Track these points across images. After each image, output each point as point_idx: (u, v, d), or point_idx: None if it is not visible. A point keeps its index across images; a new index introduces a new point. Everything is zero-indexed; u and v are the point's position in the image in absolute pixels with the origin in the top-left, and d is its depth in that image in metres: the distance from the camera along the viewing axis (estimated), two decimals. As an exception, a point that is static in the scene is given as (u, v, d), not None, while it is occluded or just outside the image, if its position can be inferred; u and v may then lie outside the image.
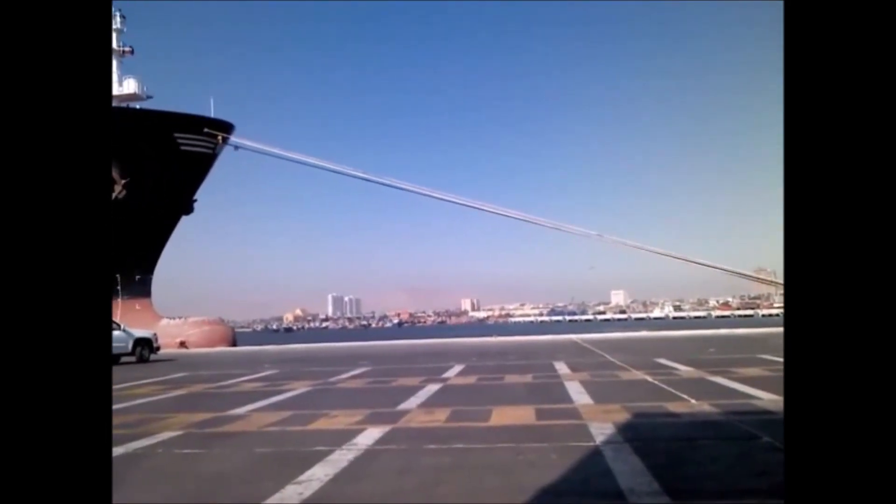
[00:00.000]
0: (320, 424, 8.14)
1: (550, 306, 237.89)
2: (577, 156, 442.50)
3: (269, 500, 4.79)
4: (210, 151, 42.47)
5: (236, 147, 40.27)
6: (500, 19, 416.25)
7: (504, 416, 8.22)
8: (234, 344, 42.22)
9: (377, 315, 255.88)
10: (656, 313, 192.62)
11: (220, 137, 40.60)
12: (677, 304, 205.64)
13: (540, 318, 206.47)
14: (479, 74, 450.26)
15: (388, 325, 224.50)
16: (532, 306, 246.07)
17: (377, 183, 36.19)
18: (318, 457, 6.12)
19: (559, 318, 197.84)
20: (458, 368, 15.36)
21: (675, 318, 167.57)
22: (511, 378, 12.92)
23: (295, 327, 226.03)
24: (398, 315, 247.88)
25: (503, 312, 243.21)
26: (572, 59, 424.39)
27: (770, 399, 8.77)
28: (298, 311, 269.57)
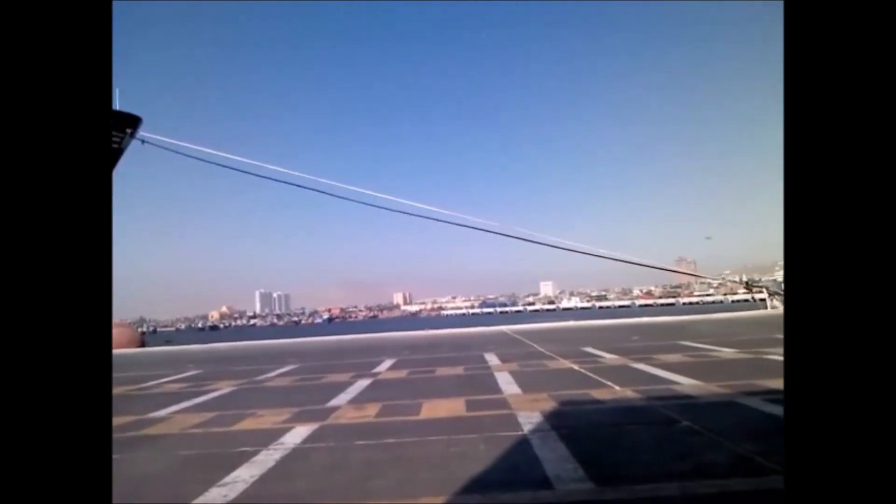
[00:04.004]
0: (246, 424, 7.94)
1: (482, 298, 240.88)
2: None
3: (193, 503, 4.64)
4: (115, 146, 40.57)
5: (143, 141, 38.40)
6: (497, 20, 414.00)
7: (435, 408, 8.25)
8: (142, 345, 40.88)
9: (307, 311, 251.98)
10: (564, 304, 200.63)
11: (125, 131, 38.76)
12: (603, 293, 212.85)
13: (472, 311, 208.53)
14: (470, 75, 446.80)
15: (319, 320, 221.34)
16: (463, 299, 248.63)
17: (297, 186, 35.02)
18: (243, 458, 5.97)
19: (490, 309, 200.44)
20: (389, 363, 15.30)
21: (601, 307, 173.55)
22: (442, 371, 12.98)
23: (221, 325, 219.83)
24: (329, 311, 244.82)
25: (435, 306, 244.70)
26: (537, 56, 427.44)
27: (690, 384, 9.15)
28: (224, 309, 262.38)
